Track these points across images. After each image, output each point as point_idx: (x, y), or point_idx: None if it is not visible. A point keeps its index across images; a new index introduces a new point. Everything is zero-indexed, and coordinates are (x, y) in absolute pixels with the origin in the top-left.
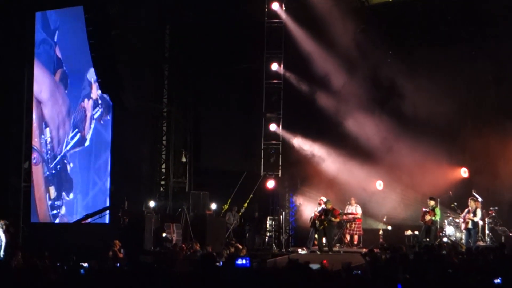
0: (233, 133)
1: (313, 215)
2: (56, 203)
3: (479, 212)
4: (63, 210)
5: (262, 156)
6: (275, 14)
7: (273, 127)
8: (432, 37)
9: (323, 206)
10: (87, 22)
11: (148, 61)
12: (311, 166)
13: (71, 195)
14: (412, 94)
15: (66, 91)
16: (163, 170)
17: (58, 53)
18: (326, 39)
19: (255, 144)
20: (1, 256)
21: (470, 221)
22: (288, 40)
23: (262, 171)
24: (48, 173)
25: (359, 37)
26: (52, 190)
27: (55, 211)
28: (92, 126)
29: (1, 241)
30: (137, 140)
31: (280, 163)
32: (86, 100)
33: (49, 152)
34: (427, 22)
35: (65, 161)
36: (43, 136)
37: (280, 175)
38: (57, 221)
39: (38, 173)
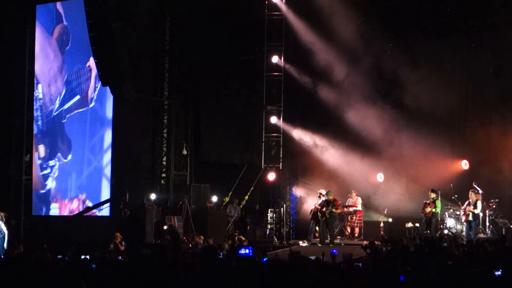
0: (234, 126)
1: (313, 207)
2: (49, 162)
3: (479, 204)
4: (55, 173)
5: (263, 149)
6: (275, 6)
7: (273, 119)
8: (432, 29)
9: (323, 198)
10: (88, 15)
11: (148, 54)
12: (312, 159)
13: (69, 157)
14: (412, 86)
15: (67, 48)
16: (164, 163)
17: (59, 6)
18: (326, 32)
19: (256, 137)
20: (5, 248)
21: (470, 213)
22: (288, 33)
23: (263, 163)
24: (36, 130)
25: (360, 30)
26: (42, 148)
27: (46, 171)
28: (98, 86)
29: (4, 233)
30: (138, 132)
31: (281, 156)
32: (91, 58)
33: (40, 108)
34: (427, 14)
35: (63, 121)
36: (34, 92)
37: (281, 168)
38: (48, 185)
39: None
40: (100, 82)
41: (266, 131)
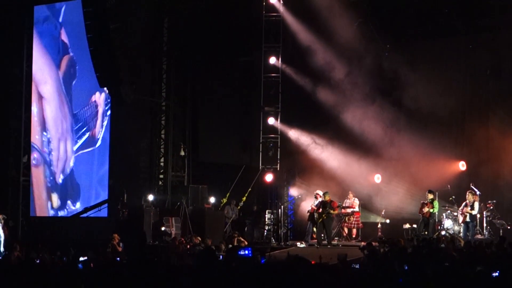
0: (231, 127)
1: (310, 209)
2: (59, 213)
3: (476, 205)
4: None
5: (261, 150)
6: (272, 8)
7: (271, 120)
8: (429, 30)
9: (320, 199)
10: (86, 16)
11: (146, 55)
12: (309, 160)
13: (78, 204)
14: (410, 88)
15: (74, 82)
16: (162, 164)
17: (64, 37)
18: (323, 33)
19: (254, 138)
20: (1, 251)
21: (468, 215)
22: (286, 34)
23: (260, 164)
24: (51, 178)
25: (357, 31)
26: (55, 198)
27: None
28: (105, 123)
29: (1, 236)
30: (136, 134)
31: (278, 157)
32: (97, 93)
33: (51, 154)
34: (424, 15)
35: (71, 164)
36: (45, 134)
37: (278, 169)
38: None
39: (39, 176)
40: (107, 119)
41: (263, 132)
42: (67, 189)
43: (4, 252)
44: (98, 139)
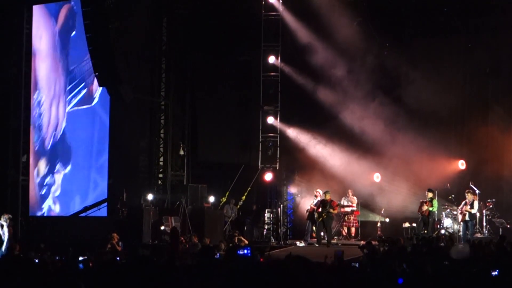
0: (230, 126)
1: (309, 207)
2: (46, 180)
3: (476, 204)
4: (56, 191)
5: (260, 149)
6: (271, 7)
7: (270, 120)
8: (429, 29)
9: (319, 198)
10: (85, 15)
11: (145, 54)
12: (309, 158)
13: (69, 167)
14: (409, 86)
15: (72, 34)
16: (161, 163)
17: None
18: (322, 32)
19: (253, 137)
20: (3, 251)
21: (467, 213)
22: (285, 33)
23: (260, 163)
24: (39, 143)
25: (356, 30)
26: (43, 164)
27: (43, 191)
28: None
29: (4, 235)
30: (135, 133)
31: (277, 156)
32: None
33: (42, 117)
34: (424, 14)
35: (63, 124)
36: (34, 97)
37: (278, 168)
38: (45, 207)
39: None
40: None
41: (263, 131)
42: (57, 151)
43: (6, 252)
44: (95, 97)
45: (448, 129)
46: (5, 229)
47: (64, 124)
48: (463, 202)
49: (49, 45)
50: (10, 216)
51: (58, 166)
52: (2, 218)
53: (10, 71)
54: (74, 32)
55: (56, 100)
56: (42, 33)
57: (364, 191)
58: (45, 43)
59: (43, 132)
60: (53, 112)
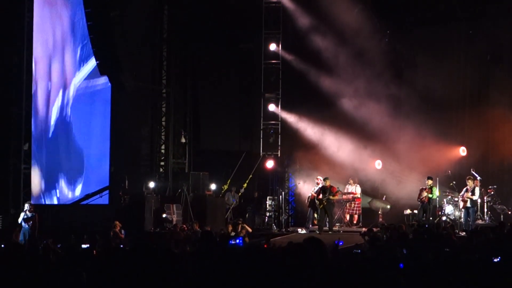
0: (232, 114)
1: (310, 195)
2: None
3: (477, 190)
4: (59, 180)
5: (261, 136)
6: None
7: (272, 107)
8: (430, 16)
9: (320, 185)
10: (85, 3)
11: (146, 42)
12: (310, 146)
13: (71, 156)
14: (410, 74)
15: None
16: (163, 151)
17: None
18: (324, 19)
19: (254, 124)
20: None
21: (468, 200)
22: (286, 20)
23: (261, 151)
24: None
25: (357, 17)
26: (36, 175)
27: (45, 179)
28: None
29: (24, 227)
30: (137, 121)
31: (279, 143)
32: None
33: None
34: (424, 1)
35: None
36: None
37: (279, 155)
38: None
39: None
40: None
41: (264, 118)
42: (59, 138)
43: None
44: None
45: (449, 116)
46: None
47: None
48: (464, 189)
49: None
50: (29, 204)
51: (60, 155)
52: (25, 206)
53: (12, 59)
54: None
55: (57, 55)
56: None
57: (365, 178)
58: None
59: (39, 114)
60: (54, 75)
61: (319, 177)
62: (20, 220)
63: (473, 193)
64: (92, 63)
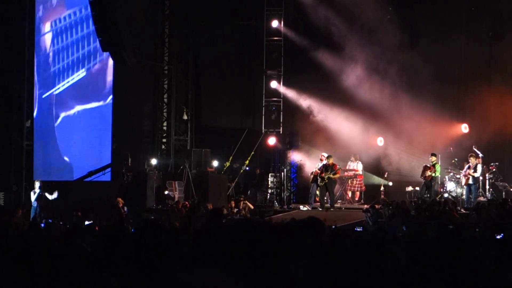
0: (234, 91)
1: (314, 171)
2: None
3: (479, 167)
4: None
5: (263, 113)
6: None
7: (274, 84)
8: None
9: (324, 161)
10: None
11: (148, 19)
12: (312, 123)
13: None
14: (412, 50)
15: None
16: (165, 128)
17: None
18: None
19: (256, 101)
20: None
21: (470, 177)
22: None
23: (263, 128)
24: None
25: None
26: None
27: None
28: None
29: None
30: (138, 97)
31: (281, 120)
32: None
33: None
34: None
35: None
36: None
37: (281, 132)
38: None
39: None
40: None
41: (266, 95)
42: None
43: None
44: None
45: (451, 93)
46: (34, 196)
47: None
48: (466, 166)
49: None
50: (39, 182)
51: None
52: (36, 185)
53: (13, 37)
54: None
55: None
56: None
57: (367, 155)
58: None
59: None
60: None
61: (323, 153)
62: (33, 199)
63: (475, 170)
64: None
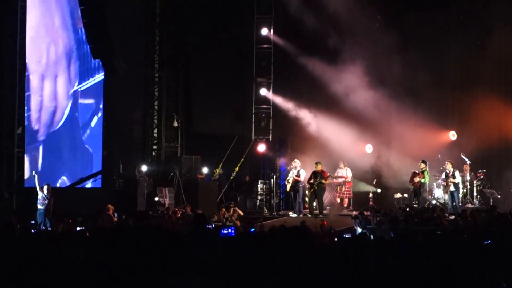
0: (224, 98)
1: (290, 179)
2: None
3: (457, 173)
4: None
5: (253, 120)
6: None
7: (263, 91)
8: (420, 1)
9: (299, 168)
10: None
11: (139, 27)
12: (301, 130)
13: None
14: (401, 58)
15: None
16: (155, 135)
17: None
18: (315, 3)
19: (246, 109)
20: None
21: (451, 184)
22: (277, 5)
23: (253, 135)
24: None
25: (349, 1)
26: (27, 163)
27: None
28: None
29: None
30: (129, 104)
31: (271, 127)
32: None
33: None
34: None
35: (66, 112)
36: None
37: (271, 139)
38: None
39: None
40: None
41: (256, 103)
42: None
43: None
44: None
45: (439, 100)
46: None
47: (68, 110)
48: (443, 173)
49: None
50: (48, 185)
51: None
52: (44, 189)
53: (5, 43)
54: None
55: (50, 73)
56: None
57: (355, 162)
58: None
59: (32, 123)
60: (46, 91)
61: (296, 160)
62: (40, 205)
63: (454, 177)
64: None
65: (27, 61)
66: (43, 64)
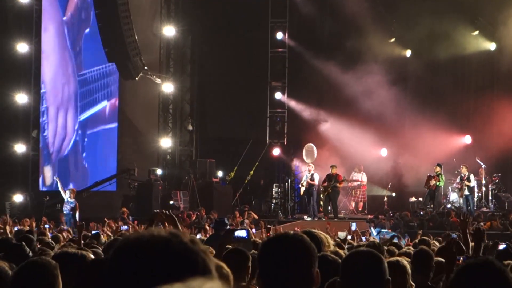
0: (239, 102)
1: (304, 182)
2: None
3: (472, 177)
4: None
5: (268, 124)
6: None
7: (278, 95)
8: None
9: (312, 172)
10: None
11: (154, 30)
12: (316, 134)
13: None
14: (416, 62)
15: (87, 31)
16: (170, 138)
17: None
18: (329, 7)
19: (261, 112)
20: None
21: (466, 188)
22: (292, 8)
23: (267, 139)
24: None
25: (364, 5)
26: (48, 172)
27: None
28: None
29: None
30: (144, 108)
31: (285, 131)
32: None
33: (46, 127)
34: None
35: (71, 143)
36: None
37: (285, 143)
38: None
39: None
40: None
41: (270, 106)
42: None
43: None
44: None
45: (454, 104)
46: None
47: (72, 141)
48: (458, 177)
49: (55, 40)
50: (72, 188)
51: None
52: (66, 194)
53: (20, 46)
54: (88, 29)
55: (64, 108)
56: (47, 23)
57: (370, 165)
58: (50, 36)
59: (49, 147)
60: (60, 122)
61: (311, 164)
62: (66, 209)
63: (469, 180)
64: None
65: (47, 94)
66: (59, 98)
